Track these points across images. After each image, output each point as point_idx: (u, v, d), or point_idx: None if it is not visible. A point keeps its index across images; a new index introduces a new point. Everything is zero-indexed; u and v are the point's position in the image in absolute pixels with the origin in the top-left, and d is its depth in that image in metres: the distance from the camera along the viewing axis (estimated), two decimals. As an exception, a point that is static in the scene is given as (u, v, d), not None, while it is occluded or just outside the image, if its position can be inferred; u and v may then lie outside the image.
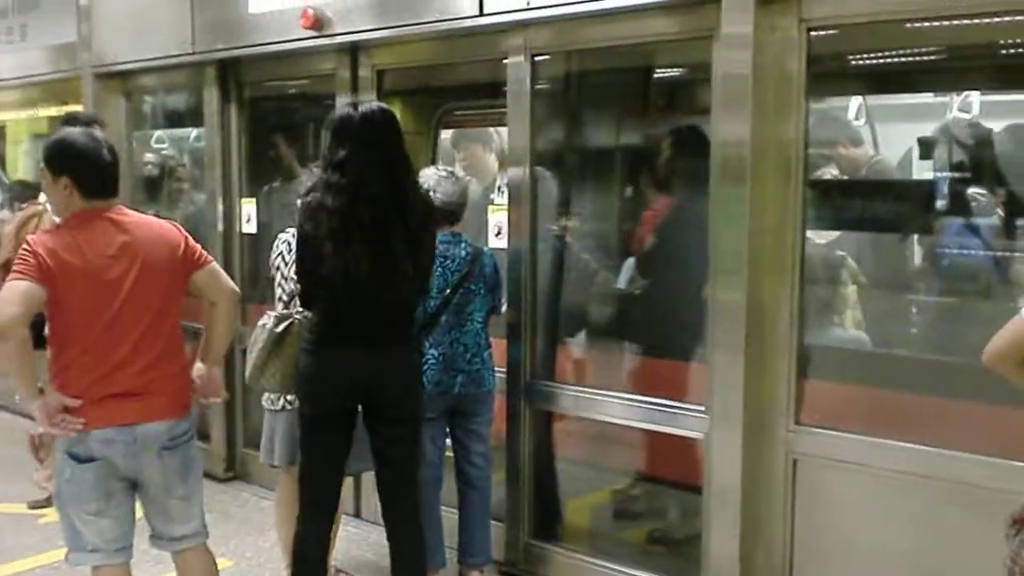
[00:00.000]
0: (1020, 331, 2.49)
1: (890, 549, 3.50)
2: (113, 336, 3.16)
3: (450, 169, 4.20)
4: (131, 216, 3.29)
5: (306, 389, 3.48)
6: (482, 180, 5.64)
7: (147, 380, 3.21)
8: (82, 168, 3.19)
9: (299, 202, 3.44)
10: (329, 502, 3.58)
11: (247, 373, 3.76)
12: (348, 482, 4.62)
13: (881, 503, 3.51)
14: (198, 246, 3.39)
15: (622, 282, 4.65)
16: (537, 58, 4.35)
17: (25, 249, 3.11)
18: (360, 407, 3.54)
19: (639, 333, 4.60)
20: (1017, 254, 4.05)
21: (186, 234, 3.35)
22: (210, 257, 3.42)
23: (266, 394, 4.05)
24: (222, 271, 3.48)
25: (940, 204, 3.86)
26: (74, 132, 3.29)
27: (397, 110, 4.02)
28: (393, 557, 3.57)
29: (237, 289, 3.49)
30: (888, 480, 3.48)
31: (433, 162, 5.05)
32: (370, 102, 3.54)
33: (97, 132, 3.32)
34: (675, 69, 4.80)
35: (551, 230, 4.64)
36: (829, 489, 3.62)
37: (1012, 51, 3.73)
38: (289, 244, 3.95)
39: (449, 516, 4.30)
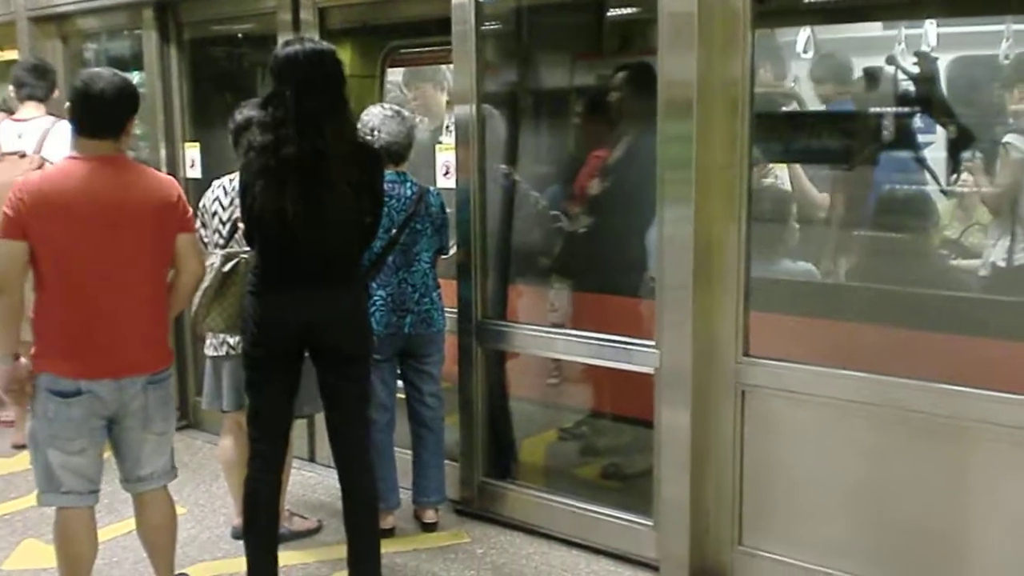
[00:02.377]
0: None
1: (838, 477, 3.56)
2: (95, 283, 3.18)
3: (396, 108, 4.14)
4: (129, 164, 3.33)
5: (251, 331, 3.43)
6: (433, 119, 5.59)
7: (129, 332, 3.26)
8: (81, 106, 3.22)
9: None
10: (278, 446, 3.55)
11: (192, 312, 3.71)
12: (301, 425, 4.65)
13: (829, 432, 3.57)
14: (191, 212, 3.44)
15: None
16: (482, -4, 4.28)
17: (9, 199, 3.13)
18: (308, 348, 3.50)
19: (590, 271, 4.61)
20: (961, 187, 4.10)
21: (180, 194, 3.38)
22: (196, 229, 3.48)
23: (208, 340, 4.01)
24: (200, 247, 3.51)
25: (886, 136, 3.89)
26: (96, 70, 3.35)
27: (342, 50, 3.94)
28: (345, 498, 3.56)
29: (203, 271, 3.53)
30: (835, 409, 3.53)
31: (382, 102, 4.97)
32: (308, 40, 3.44)
33: (114, 73, 3.33)
34: (623, 7, 4.76)
35: (500, 169, 4.61)
36: (777, 420, 3.67)
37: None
38: (224, 189, 3.91)
39: (403, 457, 4.32)
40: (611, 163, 4.63)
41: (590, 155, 4.77)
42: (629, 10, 4.97)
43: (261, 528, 3.55)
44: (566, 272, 4.79)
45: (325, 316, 3.41)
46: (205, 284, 3.64)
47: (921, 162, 3.80)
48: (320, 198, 3.23)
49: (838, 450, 3.56)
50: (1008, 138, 3.68)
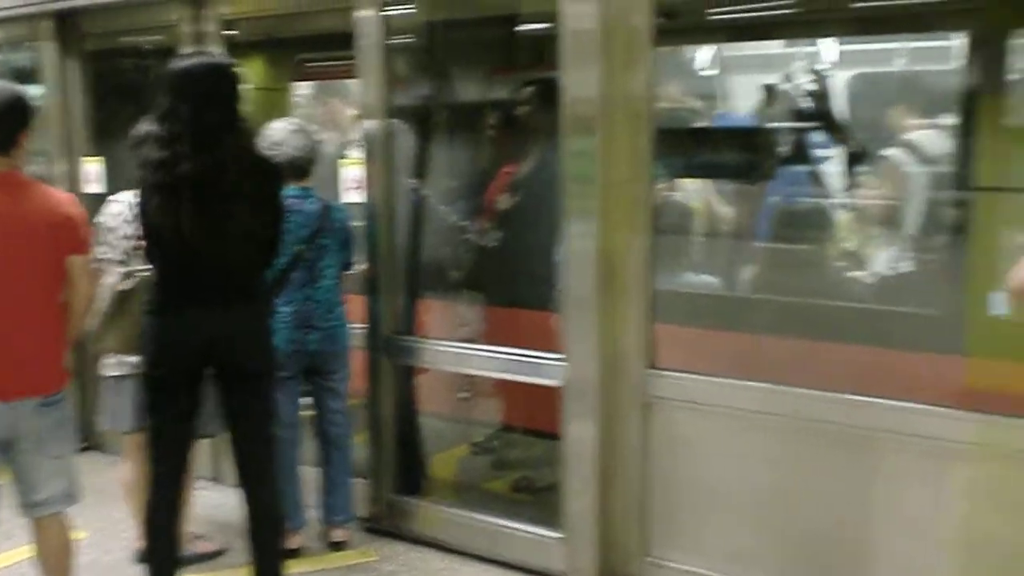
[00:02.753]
0: None
1: (744, 487, 3.61)
2: None
3: (299, 122, 4.10)
4: (23, 180, 3.23)
5: (150, 351, 3.36)
6: (343, 134, 5.55)
7: (21, 354, 3.17)
8: None
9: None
10: (179, 468, 3.47)
11: (90, 333, 3.61)
12: (205, 445, 4.54)
13: (734, 442, 3.62)
14: (87, 232, 3.35)
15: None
16: (388, 10, 4.26)
17: None
18: (210, 367, 3.43)
19: (499, 286, 4.62)
20: (858, 200, 4.22)
21: (76, 213, 3.28)
22: (90, 250, 3.39)
23: (108, 359, 3.91)
24: (88, 274, 3.40)
25: (784, 151, 3.98)
26: None
27: (248, 63, 3.89)
28: (248, 518, 3.49)
29: (94, 292, 3.46)
30: (740, 420, 3.58)
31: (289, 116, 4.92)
32: (205, 53, 3.39)
33: (4, 86, 3.25)
34: (531, 23, 4.79)
35: (409, 184, 4.59)
36: (683, 431, 3.71)
37: (857, 3, 3.84)
38: (129, 204, 3.82)
39: (310, 475, 4.26)
40: (520, 178, 4.65)
41: (500, 170, 4.79)
42: (539, 25, 5.00)
43: (162, 552, 3.48)
44: (476, 286, 4.80)
45: (226, 334, 3.35)
46: (101, 304, 3.55)
47: (818, 176, 3.89)
48: (217, 214, 3.18)
49: (743, 460, 3.61)
50: (888, 152, 3.80)
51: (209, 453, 4.86)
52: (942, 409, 3.22)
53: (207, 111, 3.18)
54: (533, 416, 4.64)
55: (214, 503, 4.72)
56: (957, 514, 3.21)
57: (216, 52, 3.52)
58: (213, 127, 3.18)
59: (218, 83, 3.25)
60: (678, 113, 4.63)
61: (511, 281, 4.62)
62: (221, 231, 3.19)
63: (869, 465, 3.37)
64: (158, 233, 3.23)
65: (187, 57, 3.35)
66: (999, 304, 3.50)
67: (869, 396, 3.35)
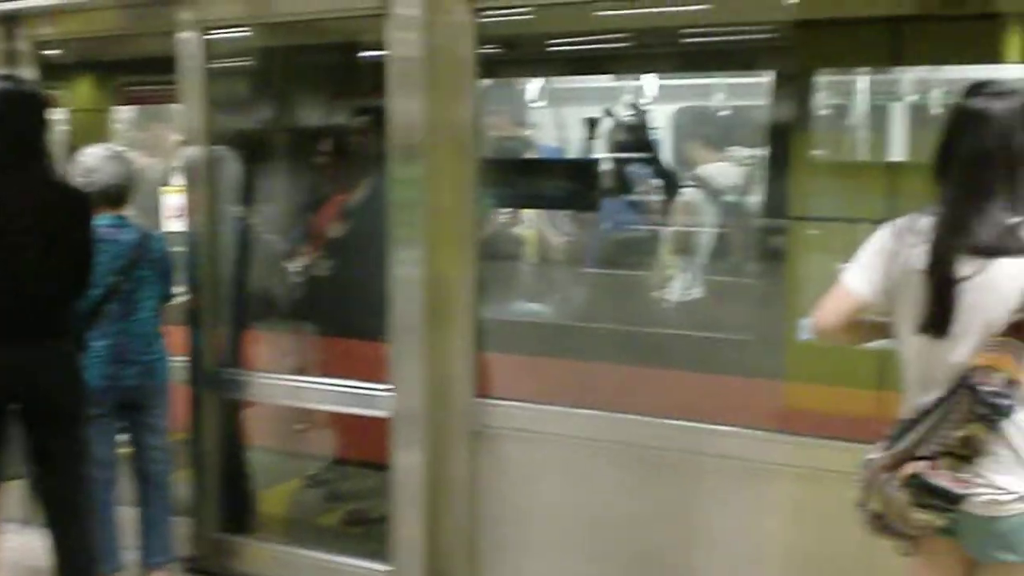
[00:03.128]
0: (842, 300, 2.46)
1: (571, 514, 3.66)
2: None
3: (116, 148, 3.95)
4: None
5: (-54, 390, 3.16)
6: (167, 160, 5.38)
7: None
8: None
9: None
10: (-19, 511, 3.28)
11: None
12: (14, 487, 4.28)
13: (561, 470, 3.66)
14: None
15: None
16: (211, 33, 4.16)
17: None
18: (15, 406, 3.25)
19: (329, 316, 4.55)
20: (680, 228, 4.36)
21: None
22: None
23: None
24: None
25: (607, 182, 4.08)
26: None
27: (65, 85, 3.72)
28: (59, 564, 3.32)
29: None
30: (566, 447, 3.63)
31: (108, 141, 4.74)
32: (8, 78, 3.23)
33: None
34: (358, 49, 4.77)
35: (235, 213, 4.48)
36: (511, 459, 3.73)
37: (681, 39, 3.98)
38: None
39: (130, 515, 4.08)
40: (352, 206, 4.61)
41: (332, 198, 4.74)
42: (372, 53, 4.98)
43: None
44: (305, 317, 4.71)
45: (32, 370, 3.20)
46: None
47: (640, 206, 4.01)
48: (8, 244, 3.02)
49: (572, 488, 3.66)
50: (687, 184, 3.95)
51: (19, 495, 4.60)
52: (759, 432, 3.35)
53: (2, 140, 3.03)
54: (367, 447, 4.58)
55: (29, 546, 4.45)
56: (775, 533, 3.34)
57: (20, 78, 3.35)
58: (5, 155, 3.02)
59: (15, 111, 3.10)
60: (508, 143, 4.70)
61: (341, 311, 4.56)
62: (12, 262, 3.03)
63: (693, 488, 3.47)
64: None
65: None
66: (804, 330, 3.68)
67: (690, 421, 3.46)
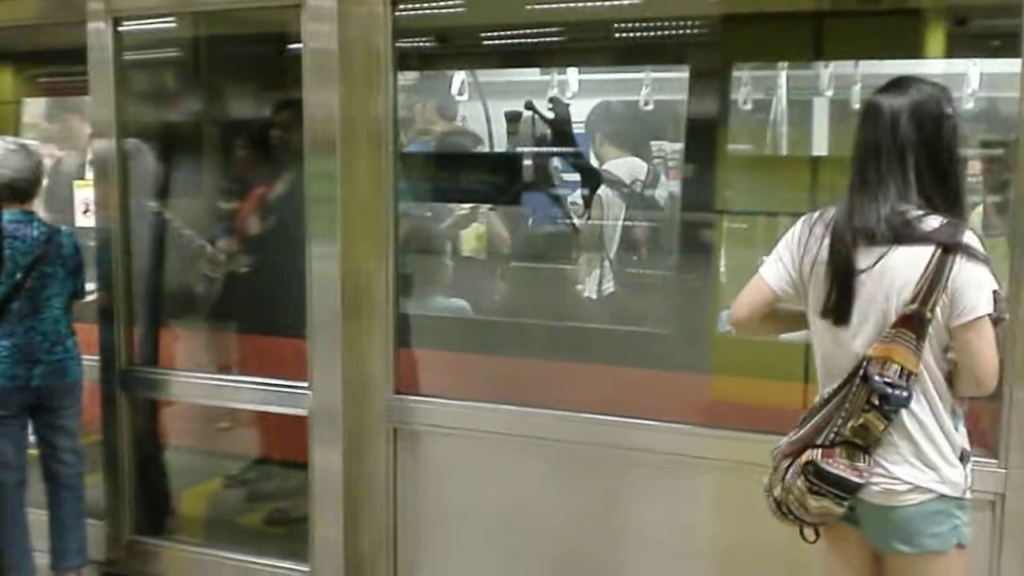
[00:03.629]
0: (758, 292, 2.48)
1: (490, 510, 3.64)
2: None
3: (21, 142, 3.83)
4: None
5: None
6: (80, 153, 5.24)
7: None
8: None
9: None
10: None
11: None
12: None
13: (479, 465, 3.64)
14: None
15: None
16: (122, 24, 4.05)
17: None
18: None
19: (245, 312, 4.48)
20: (600, 221, 4.36)
21: None
22: None
23: None
24: None
25: (527, 176, 4.06)
26: None
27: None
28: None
29: None
30: (483, 442, 3.60)
31: (16, 134, 4.62)
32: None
33: None
34: (276, 41, 4.68)
35: (150, 207, 4.38)
36: (429, 456, 3.70)
37: (606, 34, 3.96)
38: None
39: (41, 518, 3.96)
40: (271, 200, 4.53)
41: (251, 192, 4.65)
42: (290, 45, 4.90)
43: None
44: (223, 314, 4.62)
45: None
46: None
47: (558, 199, 4.00)
48: None
49: (489, 483, 3.64)
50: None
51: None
52: (680, 426, 3.36)
53: None
54: (289, 446, 4.51)
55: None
56: (700, 526, 3.36)
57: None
58: None
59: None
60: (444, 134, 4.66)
61: (260, 307, 4.48)
62: None
63: (616, 484, 3.48)
64: None
65: None
66: (723, 323, 3.71)
67: (609, 415, 3.45)
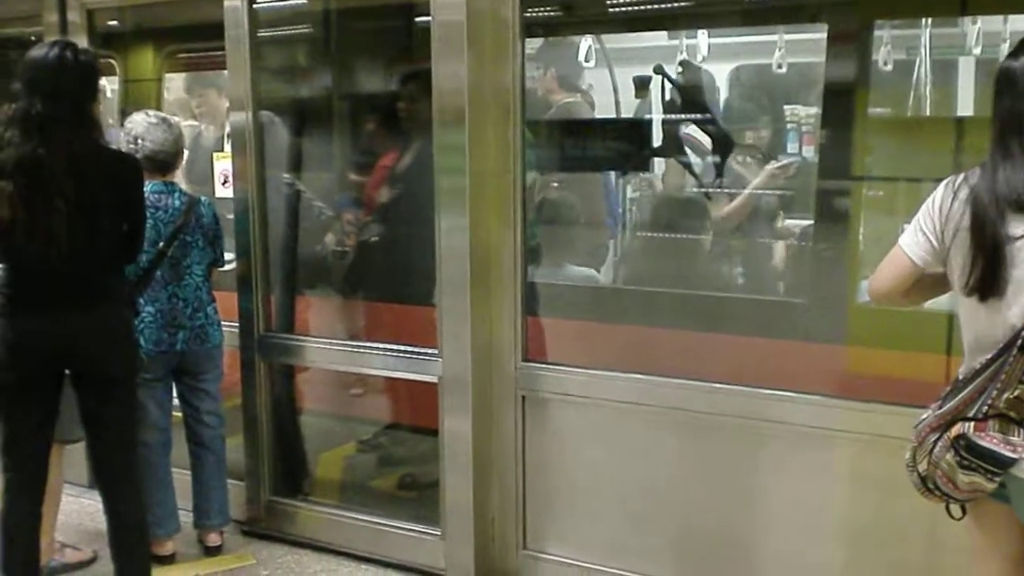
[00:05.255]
0: (898, 265, 2.40)
1: (618, 478, 3.62)
2: None
3: (162, 115, 3.96)
4: None
5: (1, 356, 3.21)
6: (219, 127, 5.41)
7: None
8: None
9: None
10: (34, 476, 3.32)
11: None
12: (79, 451, 4.37)
13: (608, 434, 3.62)
14: None
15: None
16: (257, 2, 4.14)
17: None
18: (66, 371, 3.30)
19: (375, 280, 4.55)
20: (730, 190, 4.26)
21: None
22: None
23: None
24: None
25: (656, 143, 3.98)
26: None
27: (116, 53, 3.74)
28: (110, 526, 3.37)
29: None
30: (613, 411, 3.58)
31: (159, 109, 4.79)
32: (61, 43, 3.24)
33: None
34: (403, 13, 4.72)
35: (284, 178, 4.49)
36: (558, 423, 3.70)
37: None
38: None
39: (184, 479, 4.14)
40: (399, 170, 4.58)
41: (380, 163, 4.71)
42: (413, 17, 4.94)
43: (19, 562, 3.33)
44: (354, 282, 4.71)
45: (82, 336, 3.22)
46: None
47: (689, 167, 3.91)
48: (43, 208, 3.04)
49: (617, 452, 3.62)
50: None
51: (82, 458, 4.70)
52: (817, 397, 3.26)
53: (43, 101, 3.06)
54: (420, 412, 4.59)
55: (88, 510, 4.56)
56: (833, 500, 3.27)
57: (74, 44, 3.36)
58: (46, 118, 3.05)
59: (61, 74, 3.12)
60: (560, 105, 4.62)
61: (390, 276, 4.56)
62: (47, 226, 3.06)
63: (742, 455, 3.41)
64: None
65: (39, 46, 3.22)
66: (863, 292, 3.58)
67: (742, 385, 3.38)
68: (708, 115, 3.95)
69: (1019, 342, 2.15)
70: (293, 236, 4.50)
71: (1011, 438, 2.16)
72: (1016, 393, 2.15)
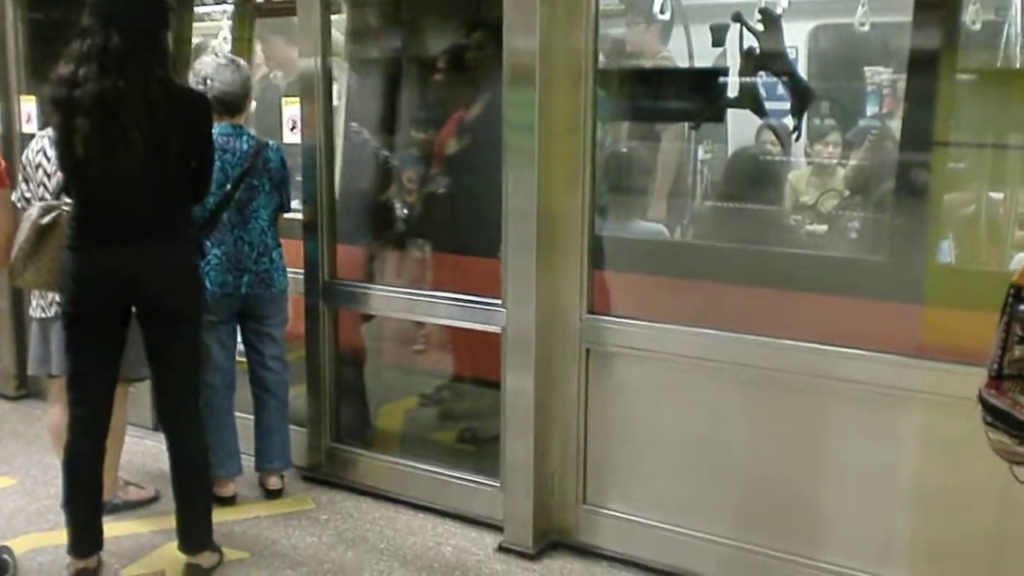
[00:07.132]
0: None
1: (681, 434, 3.56)
2: None
3: (231, 57, 3.96)
4: None
5: (69, 288, 3.23)
6: (288, 73, 5.39)
7: None
8: None
9: None
10: (100, 410, 3.35)
11: (10, 268, 3.46)
12: (144, 390, 4.42)
13: (671, 389, 3.55)
14: (3, 167, 3.32)
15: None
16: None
17: None
18: (132, 307, 3.31)
19: (441, 231, 4.51)
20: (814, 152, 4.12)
21: None
22: (9, 185, 3.35)
23: (34, 300, 3.80)
24: (7, 209, 3.38)
25: (731, 95, 3.86)
26: None
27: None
28: (172, 464, 3.40)
29: (13, 228, 3.40)
30: (677, 366, 3.51)
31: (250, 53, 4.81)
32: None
33: None
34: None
35: (353, 127, 4.46)
36: (621, 378, 3.64)
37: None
38: (51, 140, 3.67)
39: (247, 422, 4.16)
40: (468, 121, 4.52)
41: (450, 114, 4.66)
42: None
43: (82, 497, 3.38)
44: (421, 233, 4.67)
45: (146, 272, 3.22)
46: (22, 237, 3.42)
47: (771, 127, 3.78)
48: (115, 141, 3.03)
49: (681, 407, 3.55)
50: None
51: (147, 402, 4.76)
52: (888, 356, 3.15)
53: (119, 35, 3.04)
54: (482, 366, 4.55)
55: (152, 451, 4.61)
56: (901, 461, 3.17)
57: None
58: (124, 51, 3.03)
59: (135, 7, 3.11)
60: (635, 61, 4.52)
61: (456, 227, 4.51)
62: (118, 160, 3.05)
63: (811, 413, 3.32)
64: (68, 161, 3.10)
65: None
66: (945, 252, 3.45)
67: (812, 342, 3.28)
68: (789, 70, 3.80)
69: (1009, 300, 2.06)
70: (358, 184, 4.46)
71: (1020, 399, 2.06)
72: (1017, 354, 2.06)
